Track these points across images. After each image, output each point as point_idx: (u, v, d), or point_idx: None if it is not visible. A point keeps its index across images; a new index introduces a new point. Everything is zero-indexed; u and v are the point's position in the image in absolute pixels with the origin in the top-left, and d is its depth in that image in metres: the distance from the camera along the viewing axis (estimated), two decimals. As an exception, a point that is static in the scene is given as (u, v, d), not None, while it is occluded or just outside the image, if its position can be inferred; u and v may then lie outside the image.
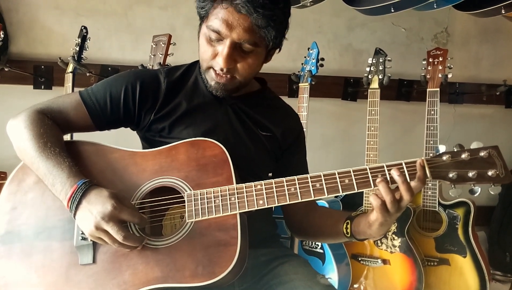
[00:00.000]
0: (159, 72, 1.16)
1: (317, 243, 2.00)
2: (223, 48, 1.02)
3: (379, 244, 2.00)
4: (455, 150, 0.93)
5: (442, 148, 0.93)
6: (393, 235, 1.97)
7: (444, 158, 0.92)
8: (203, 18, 1.06)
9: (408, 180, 0.92)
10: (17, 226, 1.01)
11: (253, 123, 1.17)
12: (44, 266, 0.98)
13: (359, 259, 2.04)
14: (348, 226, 1.06)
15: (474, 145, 0.92)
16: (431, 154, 1.95)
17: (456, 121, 2.60)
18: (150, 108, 1.12)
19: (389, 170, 0.93)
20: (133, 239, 0.94)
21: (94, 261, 0.97)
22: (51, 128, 1.05)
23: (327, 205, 1.94)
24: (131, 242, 0.93)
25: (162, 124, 1.12)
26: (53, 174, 0.97)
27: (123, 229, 0.92)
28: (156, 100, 1.12)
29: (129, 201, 0.97)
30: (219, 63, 1.03)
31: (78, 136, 1.36)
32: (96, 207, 0.92)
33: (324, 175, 0.95)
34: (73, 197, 0.94)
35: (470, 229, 1.93)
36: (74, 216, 0.95)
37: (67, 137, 1.13)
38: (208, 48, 1.05)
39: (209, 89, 1.11)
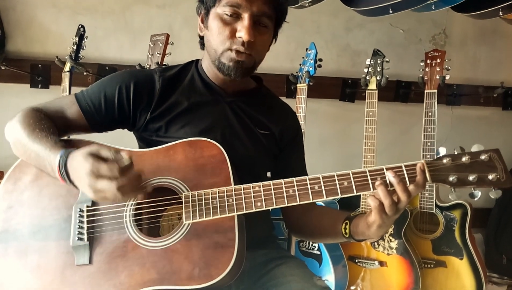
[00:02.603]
0: (154, 72, 1.16)
1: (314, 244, 2.00)
2: (243, 22, 1.04)
3: (376, 245, 2.00)
4: (456, 153, 0.92)
5: (442, 151, 0.92)
6: (390, 237, 1.97)
7: (445, 161, 0.91)
8: (214, 1, 1.06)
9: (408, 182, 0.91)
10: (13, 225, 1.00)
11: (251, 121, 1.17)
12: (40, 266, 0.97)
13: (356, 260, 2.04)
14: (347, 226, 1.05)
15: (475, 148, 0.91)
16: (428, 156, 1.96)
17: (454, 123, 2.60)
18: (145, 108, 1.12)
19: (388, 172, 0.92)
20: (127, 179, 0.87)
21: (90, 261, 0.96)
22: (42, 119, 1.04)
23: (324, 205, 1.94)
24: (126, 181, 0.86)
25: (158, 123, 1.12)
26: (41, 156, 0.96)
27: (113, 180, 0.86)
28: (151, 99, 1.12)
29: (106, 151, 0.89)
30: (242, 36, 1.03)
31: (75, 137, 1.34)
32: (81, 173, 0.88)
33: (323, 177, 0.95)
34: (61, 172, 0.92)
35: (467, 231, 1.93)
36: (76, 187, 0.93)
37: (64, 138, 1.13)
38: (224, 29, 1.05)
39: (226, 73, 1.08)
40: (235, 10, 1.04)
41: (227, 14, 1.04)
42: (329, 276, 1.93)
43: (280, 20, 1.13)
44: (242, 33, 1.03)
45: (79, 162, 0.90)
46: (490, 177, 0.89)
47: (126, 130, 1.18)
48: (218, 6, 1.05)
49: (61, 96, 1.92)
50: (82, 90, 1.12)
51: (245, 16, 1.04)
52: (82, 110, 1.09)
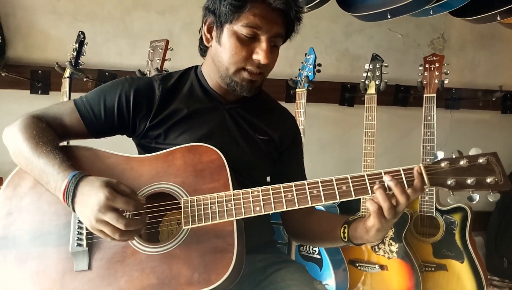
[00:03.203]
0: (153, 80, 1.16)
1: (314, 248, 2.00)
2: (262, 44, 1.04)
3: (377, 249, 2.00)
4: (454, 156, 0.92)
5: (440, 155, 0.92)
6: (391, 241, 1.96)
7: (443, 164, 0.91)
8: (232, 18, 1.04)
9: (406, 185, 0.92)
10: (12, 232, 1.00)
11: (250, 127, 1.17)
12: (39, 272, 0.97)
13: (357, 264, 2.03)
14: (346, 230, 1.05)
15: (472, 152, 0.91)
16: (428, 159, 1.96)
17: (453, 127, 2.60)
18: (145, 116, 1.12)
19: (385, 175, 0.92)
20: (135, 222, 0.89)
21: (89, 267, 0.96)
22: (44, 130, 1.04)
23: (324, 210, 1.94)
24: (133, 226, 0.88)
25: (157, 130, 1.12)
26: (46, 172, 0.96)
27: (122, 217, 0.87)
28: (150, 107, 1.12)
29: (125, 187, 0.92)
30: (261, 59, 1.04)
31: (74, 141, 1.35)
32: (90, 199, 0.89)
33: (322, 182, 0.95)
34: (67, 191, 0.92)
35: (467, 234, 1.93)
36: (74, 211, 0.93)
37: (63, 143, 1.13)
38: (241, 49, 1.05)
39: (238, 90, 1.10)
40: (254, 32, 1.03)
41: (245, 35, 1.04)
42: (329, 280, 1.93)
43: (288, 37, 1.14)
44: (261, 57, 1.04)
45: (93, 188, 0.90)
46: (488, 180, 0.89)
47: (125, 136, 1.18)
48: (236, 25, 1.04)
49: (61, 102, 1.92)
50: (81, 96, 1.12)
51: (263, 38, 1.04)
52: (82, 117, 1.09)
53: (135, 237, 0.95)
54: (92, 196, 0.89)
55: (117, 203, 0.88)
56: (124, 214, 0.90)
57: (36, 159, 0.98)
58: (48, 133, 1.04)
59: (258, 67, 1.06)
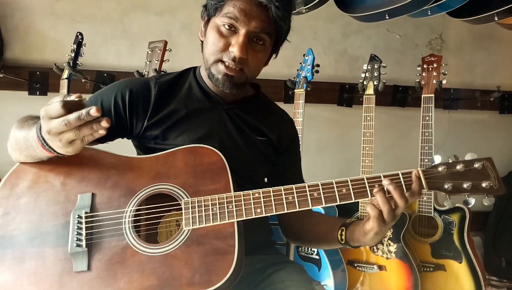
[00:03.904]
0: (150, 79, 1.16)
1: (313, 249, 2.00)
2: (238, 37, 1.03)
3: (375, 250, 2.00)
4: (450, 161, 0.94)
5: (437, 159, 0.95)
6: (389, 241, 1.97)
7: (440, 169, 0.93)
8: (215, 11, 1.06)
9: (404, 189, 0.93)
10: (9, 232, 0.99)
11: (249, 128, 1.17)
12: (37, 273, 0.96)
13: (355, 265, 2.03)
14: (343, 233, 1.06)
15: (468, 157, 0.94)
16: (426, 160, 1.97)
17: (451, 127, 2.61)
18: (141, 115, 1.12)
19: (383, 179, 0.93)
20: (74, 103, 0.83)
21: (89, 268, 0.96)
22: (33, 118, 1.03)
23: (323, 211, 1.94)
24: (75, 114, 0.82)
25: (156, 130, 1.12)
26: (28, 139, 0.95)
27: (57, 106, 0.83)
28: (146, 107, 1.12)
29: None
30: (234, 51, 1.03)
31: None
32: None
33: (322, 185, 0.95)
34: (40, 140, 0.90)
35: (465, 234, 1.94)
36: (51, 150, 0.91)
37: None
38: (219, 40, 1.05)
39: (215, 84, 1.10)
40: (233, 23, 1.03)
41: (224, 26, 1.04)
42: (328, 281, 1.93)
43: (281, 37, 1.12)
44: (235, 49, 1.03)
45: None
46: (484, 184, 0.91)
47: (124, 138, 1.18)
48: (218, 16, 1.06)
49: None
50: None
51: (241, 32, 1.04)
52: None
53: (132, 237, 0.95)
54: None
55: (50, 110, 0.84)
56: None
57: (19, 132, 0.98)
58: (38, 119, 1.02)
59: (234, 61, 1.05)
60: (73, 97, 0.85)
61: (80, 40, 2.06)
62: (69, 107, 0.83)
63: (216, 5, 1.05)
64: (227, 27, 1.04)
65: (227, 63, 1.06)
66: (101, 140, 1.14)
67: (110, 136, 1.14)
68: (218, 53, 1.06)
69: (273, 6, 1.02)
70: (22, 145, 0.99)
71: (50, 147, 0.90)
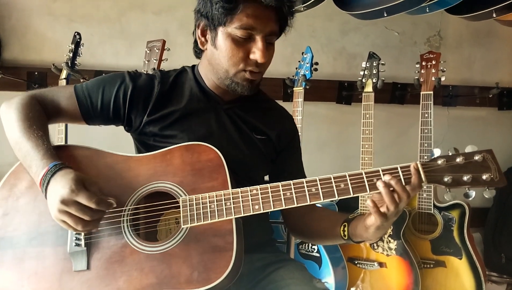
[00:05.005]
0: (154, 77, 1.16)
1: (313, 246, 2.00)
2: (257, 44, 1.03)
3: (376, 247, 2.00)
4: (450, 153, 0.93)
5: (437, 152, 0.93)
6: (389, 238, 1.97)
7: (439, 162, 0.92)
8: (224, 21, 1.02)
9: (404, 183, 0.92)
10: (9, 232, 1.00)
11: (248, 127, 1.17)
12: (37, 273, 0.97)
13: (356, 262, 2.04)
14: (345, 228, 1.06)
15: (468, 149, 0.92)
16: (425, 157, 1.97)
17: (450, 124, 2.61)
18: (140, 111, 1.12)
19: (384, 175, 0.93)
20: (97, 213, 0.91)
21: (88, 267, 0.96)
22: (40, 114, 1.06)
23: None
24: (96, 215, 0.91)
25: (155, 127, 1.12)
26: (31, 155, 0.97)
27: (85, 211, 0.89)
28: (147, 103, 1.12)
29: (95, 185, 0.93)
30: (258, 58, 1.03)
31: (72, 140, 1.34)
32: (58, 189, 0.90)
33: (320, 180, 0.95)
34: (44, 179, 0.93)
35: (465, 230, 1.94)
36: (46, 198, 0.93)
37: (62, 142, 1.13)
38: (238, 50, 1.04)
39: (240, 91, 1.10)
40: (249, 33, 1.03)
41: (239, 36, 1.03)
42: (329, 278, 1.93)
43: (282, 32, 1.13)
44: (258, 56, 1.03)
45: (64, 179, 0.91)
46: (484, 177, 0.90)
47: (123, 132, 1.19)
48: (229, 27, 1.03)
49: (61, 86, 1.94)
50: (81, 83, 1.14)
51: (259, 38, 1.03)
52: (79, 104, 1.10)
53: (130, 236, 0.96)
54: (61, 187, 0.90)
55: (80, 197, 0.89)
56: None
57: (25, 141, 0.99)
58: (42, 117, 1.06)
59: (257, 66, 1.06)
60: (112, 203, 0.94)
61: (78, 40, 2.05)
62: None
63: (226, 15, 1.02)
64: (242, 37, 1.03)
65: (251, 69, 1.06)
66: (94, 123, 1.15)
67: (104, 122, 1.15)
68: (240, 63, 1.05)
69: (285, 6, 1.04)
70: (20, 154, 1.01)
71: (46, 194, 0.93)
